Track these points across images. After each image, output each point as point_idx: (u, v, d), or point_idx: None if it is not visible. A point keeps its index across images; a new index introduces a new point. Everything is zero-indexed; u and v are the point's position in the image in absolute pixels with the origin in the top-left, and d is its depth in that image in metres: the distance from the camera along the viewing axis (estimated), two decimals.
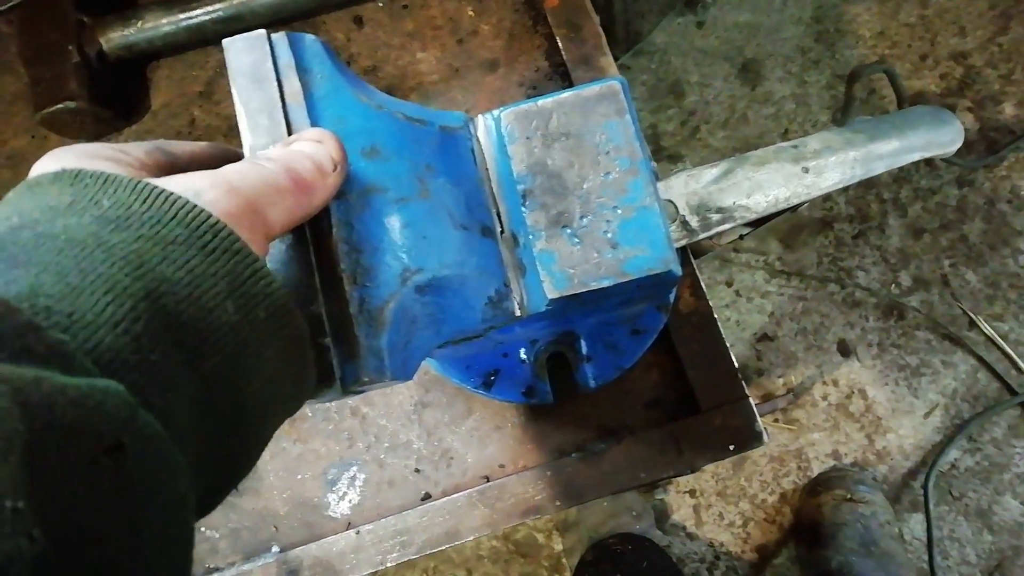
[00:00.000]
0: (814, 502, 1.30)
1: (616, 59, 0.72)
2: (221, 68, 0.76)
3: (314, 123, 0.41)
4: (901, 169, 1.41)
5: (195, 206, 0.29)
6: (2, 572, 0.18)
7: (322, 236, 0.38)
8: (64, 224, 0.27)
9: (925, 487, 1.30)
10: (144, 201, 0.28)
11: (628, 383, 0.64)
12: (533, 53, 0.70)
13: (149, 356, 0.25)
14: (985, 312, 1.40)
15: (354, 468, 0.66)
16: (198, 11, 0.70)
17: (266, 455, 0.67)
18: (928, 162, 1.42)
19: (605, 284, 0.48)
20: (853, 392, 1.42)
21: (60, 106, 0.69)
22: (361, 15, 0.73)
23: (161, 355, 0.26)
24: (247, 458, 0.32)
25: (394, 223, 0.41)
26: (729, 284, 1.48)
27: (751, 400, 0.60)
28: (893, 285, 1.44)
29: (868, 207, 1.48)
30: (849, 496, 1.27)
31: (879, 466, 1.39)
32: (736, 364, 0.61)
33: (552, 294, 0.48)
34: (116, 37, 0.71)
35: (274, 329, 0.30)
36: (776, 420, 1.44)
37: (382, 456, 0.66)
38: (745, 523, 1.39)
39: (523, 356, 0.61)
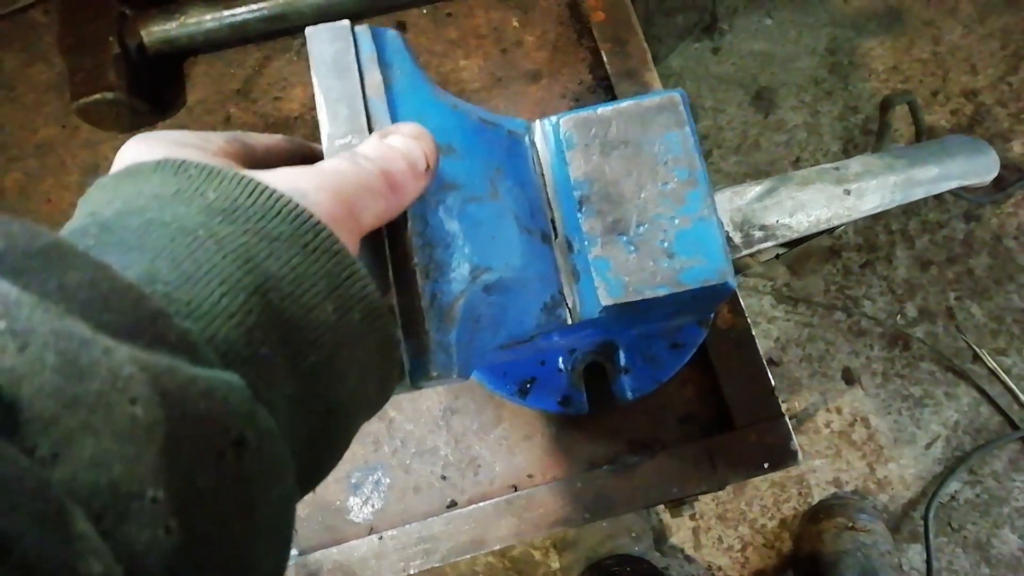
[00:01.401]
0: (815, 529, 1.30)
1: None
2: (260, 67, 0.76)
3: (393, 117, 0.41)
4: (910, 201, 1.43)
5: (298, 205, 0.29)
6: (141, 561, 0.18)
7: (398, 230, 0.38)
8: (173, 213, 0.27)
9: (925, 518, 1.31)
10: (250, 196, 0.28)
11: (663, 397, 0.64)
12: (577, 66, 0.71)
13: (260, 350, 0.25)
14: (989, 346, 1.41)
15: (379, 472, 0.66)
16: (242, 8, 0.70)
17: None
18: (937, 196, 1.44)
19: (660, 293, 0.47)
20: (856, 420, 1.42)
21: (98, 96, 0.68)
22: (404, 21, 0.74)
23: (270, 350, 0.25)
24: (332, 459, 0.32)
25: (466, 221, 0.41)
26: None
27: (787, 419, 0.60)
28: (899, 316, 1.45)
29: (876, 237, 1.49)
30: (850, 525, 1.27)
31: (880, 495, 1.39)
32: (772, 382, 0.61)
33: (607, 301, 0.47)
34: (157, 31, 0.71)
35: (367, 332, 0.30)
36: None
37: (408, 462, 0.65)
38: (744, 547, 1.38)
39: (560, 365, 0.61)
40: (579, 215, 0.49)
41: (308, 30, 0.42)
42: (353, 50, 0.41)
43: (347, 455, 0.67)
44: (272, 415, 0.24)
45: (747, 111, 1.60)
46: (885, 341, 1.44)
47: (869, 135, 1.54)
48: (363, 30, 0.42)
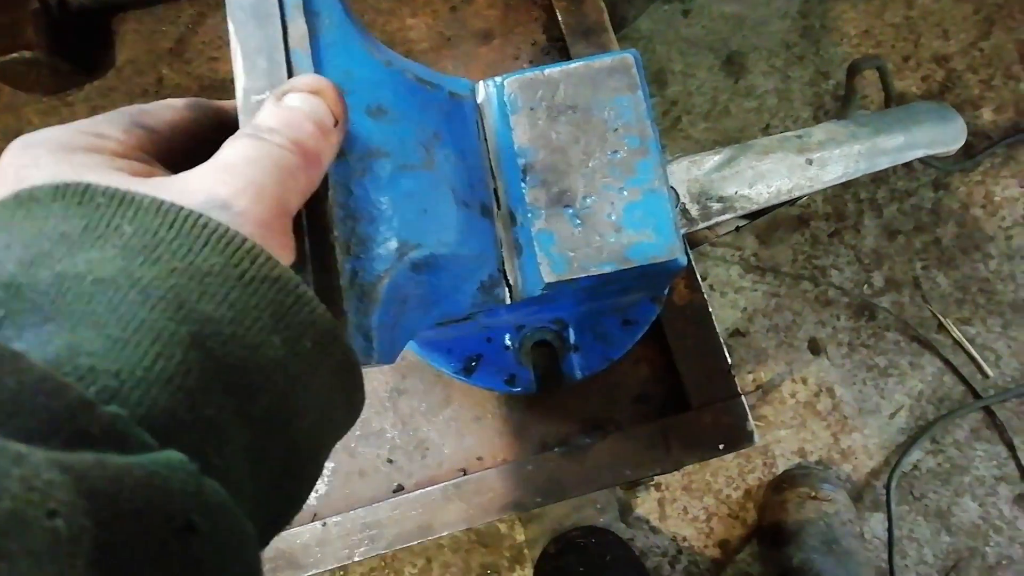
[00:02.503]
0: (778, 499, 1.30)
1: None
2: (194, 24, 0.71)
3: (319, 70, 0.37)
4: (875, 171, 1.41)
5: (227, 230, 0.25)
6: None
7: (316, 199, 0.34)
8: (86, 260, 0.23)
9: (887, 487, 1.31)
10: (171, 227, 0.25)
11: (616, 376, 0.62)
12: (530, 25, 0.67)
13: (204, 412, 0.23)
14: (954, 315, 1.41)
15: None
16: None
17: None
18: (906, 164, 1.42)
19: (606, 270, 0.45)
20: (821, 391, 1.42)
21: (15, 55, 0.63)
22: None
23: (215, 408, 0.23)
24: (302, 491, 0.29)
25: (396, 192, 0.38)
26: (704, 278, 1.46)
27: (743, 399, 0.58)
28: (866, 285, 1.44)
29: (845, 206, 1.48)
30: (813, 494, 1.27)
31: (843, 465, 1.39)
32: (729, 360, 0.59)
33: (549, 278, 0.44)
34: None
35: (321, 358, 0.28)
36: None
37: (353, 445, 0.62)
38: (709, 518, 1.38)
39: (508, 342, 0.58)
40: (523, 185, 0.46)
41: None
42: None
43: None
44: (225, 482, 0.22)
45: (717, 76, 1.56)
46: (852, 311, 1.43)
47: (840, 101, 1.51)
48: None
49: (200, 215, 0.25)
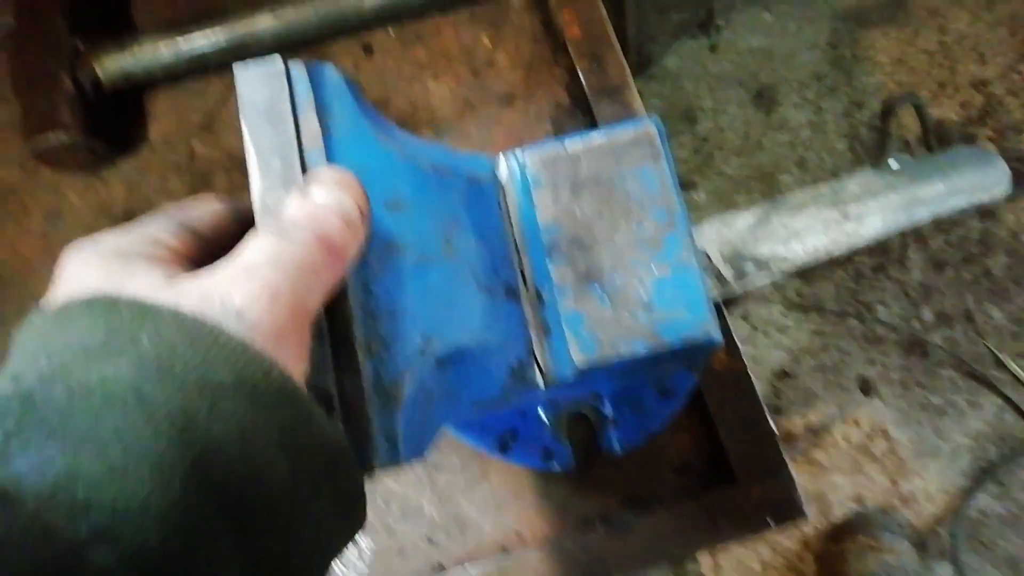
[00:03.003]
0: (836, 549, 1.24)
1: None
2: (223, 98, 0.72)
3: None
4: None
5: (239, 343, 0.25)
6: None
7: (337, 300, 0.33)
8: (100, 375, 0.24)
9: (953, 534, 1.25)
10: (190, 341, 0.25)
11: (656, 447, 0.59)
12: (553, 86, 0.66)
13: (198, 551, 0.22)
14: (1011, 350, 1.35)
15: (361, 536, 0.61)
16: (199, 38, 0.66)
17: None
18: None
19: (638, 351, 0.43)
20: (875, 432, 1.36)
21: (52, 138, 0.64)
22: (371, 43, 0.69)
23: (211, 545, 0.23)
24: None
25: (416, 286, 0.37)
26: (745, 318, 1.43)
27: (792, 470, 0.55)
28: (915, 320, 1.39)
29: (888, 239, 1.43)
30: (874, 544, 1.21)
31: (904, 511, 1.33)
32: (775, 429, 0.56)
33: (580, 360, 0.43)
34: (112, 65, 0.67)
35: (328, 483, 0.27)
36: (795, 460, 1.38)
37: (392, 523, 0.61)
38: (765, 570, 1.33)
39: (543, 417, 0.56)
40: (549, 262, 0.45)
41: (236, 69, 0.37)
42: (288, 93, 0.37)
43: None
44: None
45: (748, 110, 1.54)
46: (902, 348, 1.38)
47: (876, 131, 1.48)
48: (298, 68, 0.38)
49: (213, 327, 0.25)
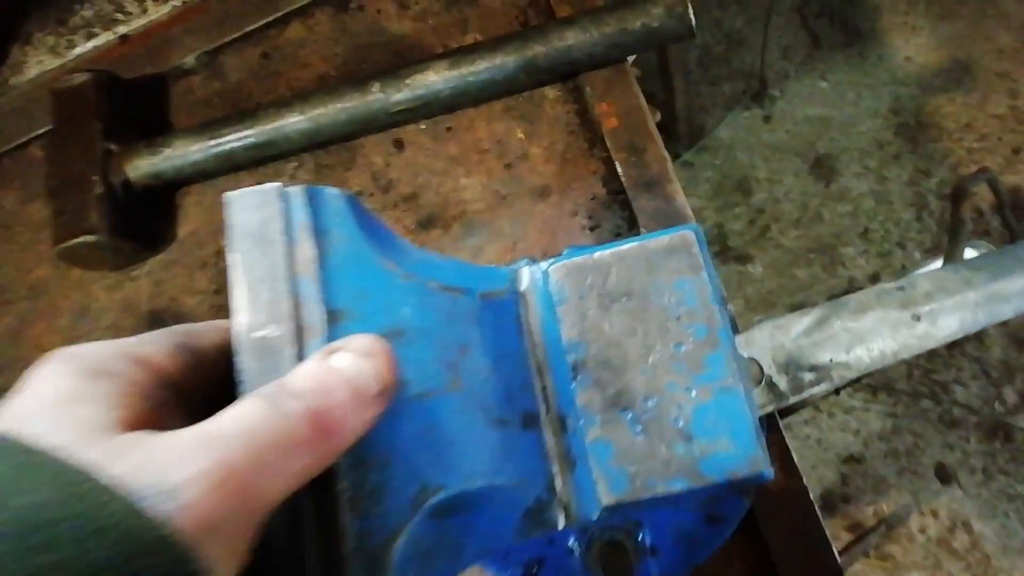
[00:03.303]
0: None
1: (678, 156, 0.64)
2: None
3: (328, 296, 0.34)
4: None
5: (146, 529, 0.22)
6: None
7: None
8: None
9: None
10: (77, 507, 0.21)
11: (703, 574, 0.53)
12: (589, 179, 0.63)
13: None
14: None
15: None
16: (229, 137, 0.65)
17: None
18: None
19: (675, 489, 0.38)
20: (956, 525, 1.25)
21: (79, 240, 0.64)
22: (402, 138, 0.68)
23: None
24: None
25: (414, 427, 0.33)
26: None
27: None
28: (996, 402, 1.29)
29: None
30: None
31: None
32: (840, 560, 0.50)
33: (608, 500, 0.38)
34: (144, 165, 0.67)
35: None
36: (867, 555, 1.28)
37: None
38: None
39: (572, 545, 0.51)
40: (573, 385, 0.41)
41: (226, 196, 0.35)
42: (281, 218, 0.34)
43: None
44: None
45: (806, 180, 1.49)
46: (983, 432, 1.28)
47: (945, 200, 1.41)
48: (297, 192, 0.35)
49: (119, 498, 0.22)
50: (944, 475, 1.27)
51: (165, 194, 0.71)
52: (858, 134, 1.49)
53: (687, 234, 0.42)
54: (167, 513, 0.22)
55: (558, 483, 0.40)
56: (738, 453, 0.38)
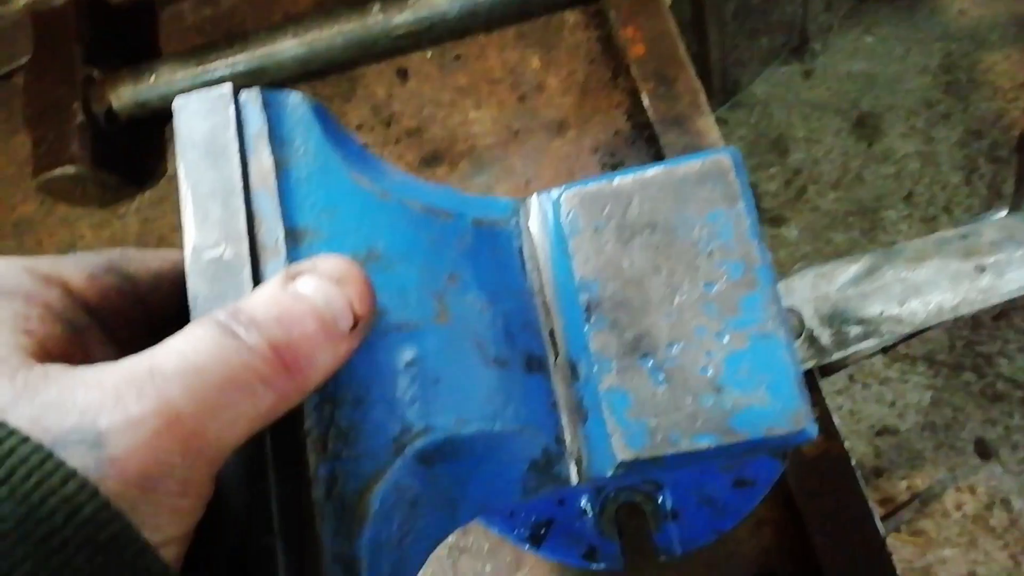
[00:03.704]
0: None
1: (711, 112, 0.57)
2: None
3: (289, 213, 0.30)
4: None
5: (73, 487, 0.18)
6: None
7: None
8: None
9: None
10: None
11: (730, 543, 0.49)
12: (611, 112, 0.57)
13: None
14: None
15: None
16: (218, 64, 0.61)
17: None
18: None
19: (702, 445, 0.33)
20: (994, 502, 1.20)
21: (59, 171, 0.60)
22: (406, 67, 0.62)
23: None
24: None
25: (392, 361, 0.28)
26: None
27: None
28: None
29: None
30: None
31: None
32: (883, 531, 0.44)
33: (623, 455, 0.33)
34: (128, 93, 0.62)
35: None
36: (898, 530, 1.22)
37: None
38: None
39: (585, 505, 0.46)
40: (586, 328, 0.35)
41: (176, 100, 0.30)
42: (234, 125, 0.30)
43: None
44: None
45: (847, 140, 1.41)
46: None
47: (997, 163, 1.32)
48: (251, 96, 0.31)
49: (30, 450, 0.18)
50: (984, 451, 1.21)
51: (152, 126, 0.66)
52: (905, 92, 1.40)
53: (723, 158, 0.36)
54: (90, 466, 0.18)
55: (568, 436, 0.35)
56: (776, 407, 0.33)
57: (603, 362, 0.35)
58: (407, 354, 0.29)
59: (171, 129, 0.68)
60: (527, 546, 0.47)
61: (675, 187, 0.36)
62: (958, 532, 1.20)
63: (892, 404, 1.26)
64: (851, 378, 1.29)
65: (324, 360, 0.24)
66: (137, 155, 0.65)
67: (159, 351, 0.22)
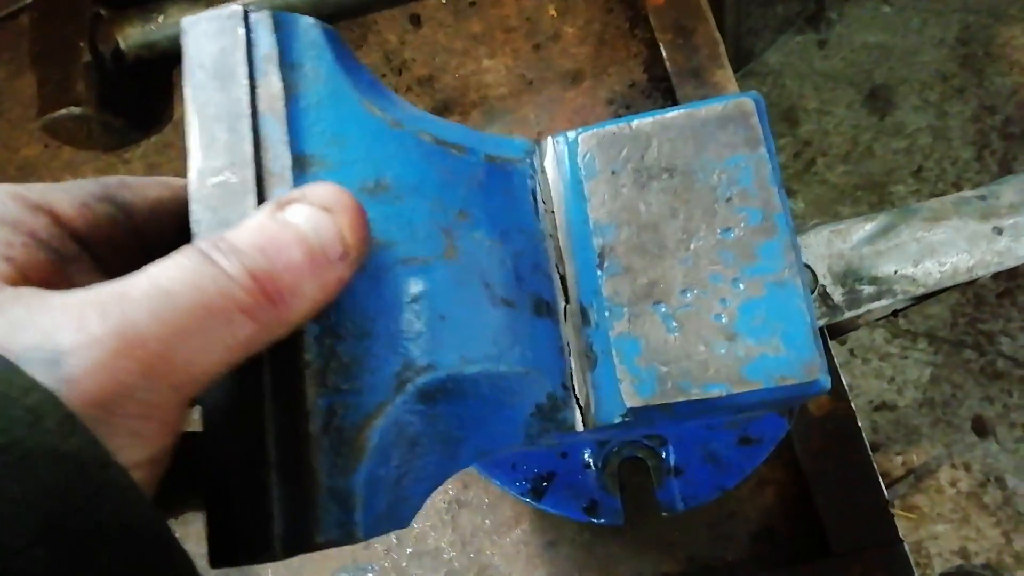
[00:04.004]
0: None
1: None
2: None
3: (297, 139, 0.29)
4: None
5: (35, 397, 0.18)
6: None
7: None
8: None
9: None
10: None
11: (731, 502, 0.48)
12: (628, 63, 0.55)
13: None
14: None
15: (368, 574, 0.53)
16: (229, 4, 0.59)
17: None
18: None
19: (713, 393, 0.32)
20: (989, 480, 1.20)
21: (63, 112, 0.58)
22: (419, 14, 0.61)
23: None
24: None
25: (397, 296, 0.28)
26: (842, 342, 1.28)
27: (906, 547, 0.43)
28: None
29: None
30: None
31: (1017, 572, 1.16)
32: (887, 494, 0.44)
33: (632, 401, 0.33)
34: (136, 33, 0.61)
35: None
36: (892, 505, 1.23)
37: (404, 564, 0.52)
38: None
39: (587, 459, 0.46)
40: (599, 273, 0.35)
41: (184, 21, 0.29)
42: (244, 48, 0.29)
43: (331, 551, 0.54)
44: None
45: (859, 112, 1.39)
46: None
47: (1011, 140, 1.31)
48: (262, 17, 0.30)
49: (3, 364, 0.18)
50: (981, 428, 1.21)
51: (160, 69, 0.65)
52: (920, 64, 1.38)
53: (745, 101, 0.36)
54: (49, 384, 0.18)
55: (576, 382, 0.34)
56: (790, 356, 0.32)
57: (615, 308, 0.34)
58: (413, 289, 0.28)
59: (179, 73, 0.67)
60: (528, 499, 0.47)
61: (695, 130, 0.35)
62: (951, 508, 1.20)
63: (891, 380, 1.26)
64: (851, 353, 1.29)
65: (310, 290, 0.23)
66: (144, 98, 0.64)
67: (134, 276, 0.21)
